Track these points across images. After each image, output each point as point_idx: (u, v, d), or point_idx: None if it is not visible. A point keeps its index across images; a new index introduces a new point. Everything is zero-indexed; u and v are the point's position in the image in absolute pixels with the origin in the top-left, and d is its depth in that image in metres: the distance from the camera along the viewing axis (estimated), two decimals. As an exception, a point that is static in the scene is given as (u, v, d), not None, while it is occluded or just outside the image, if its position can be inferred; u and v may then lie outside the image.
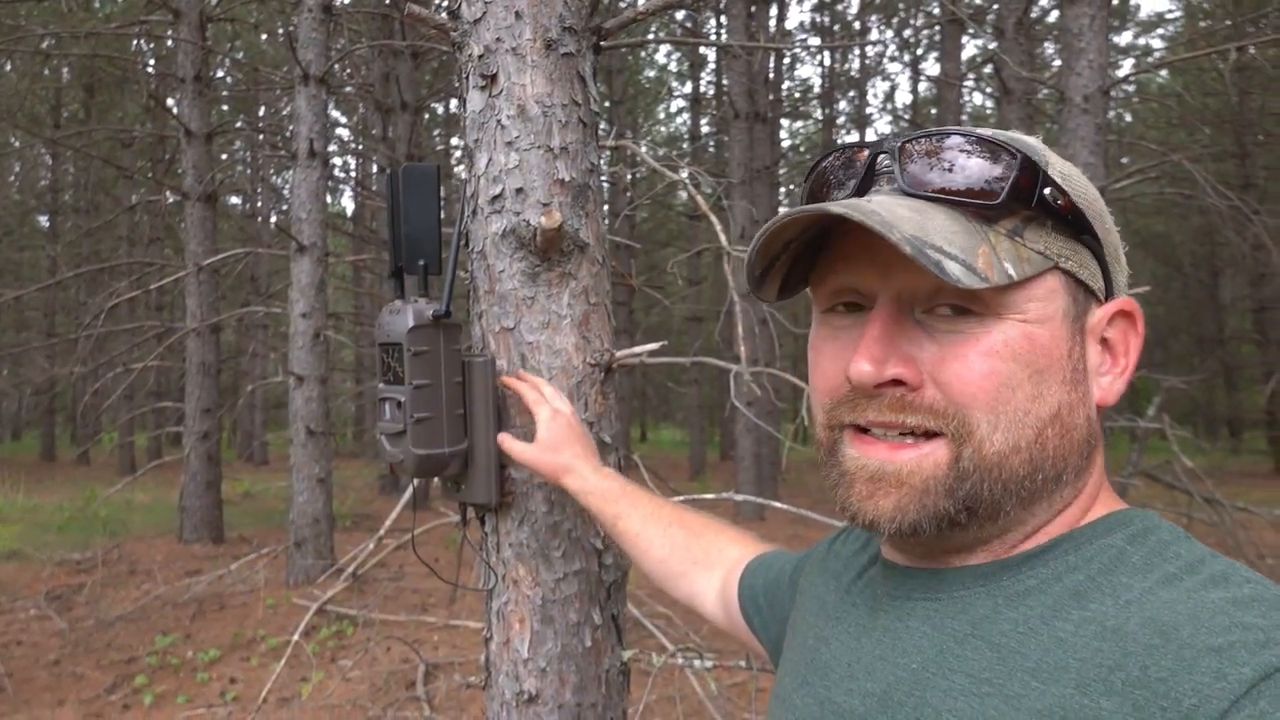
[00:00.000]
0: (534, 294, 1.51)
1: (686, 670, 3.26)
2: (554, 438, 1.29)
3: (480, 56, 1.53)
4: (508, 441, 1.34)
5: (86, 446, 19.62)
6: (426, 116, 17.33)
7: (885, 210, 0.55)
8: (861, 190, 0.61)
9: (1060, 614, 0.54)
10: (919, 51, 22.02)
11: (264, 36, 17.43)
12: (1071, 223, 0.59)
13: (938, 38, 16.10)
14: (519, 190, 1.50)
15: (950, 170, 0.57)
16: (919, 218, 0.55)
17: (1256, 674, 0.44)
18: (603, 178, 1.71)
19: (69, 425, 24.16)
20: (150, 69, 14.35)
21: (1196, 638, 0.47)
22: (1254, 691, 0.44)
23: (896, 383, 0.57)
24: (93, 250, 17.25)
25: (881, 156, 0.61)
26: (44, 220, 23.42)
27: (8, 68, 16.53)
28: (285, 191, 21.69)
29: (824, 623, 0.71)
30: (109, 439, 21.70)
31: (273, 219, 21.03)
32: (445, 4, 1.61)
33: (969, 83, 17.52)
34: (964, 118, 17.87)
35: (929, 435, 0.58)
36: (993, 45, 11.25)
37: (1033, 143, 0.60)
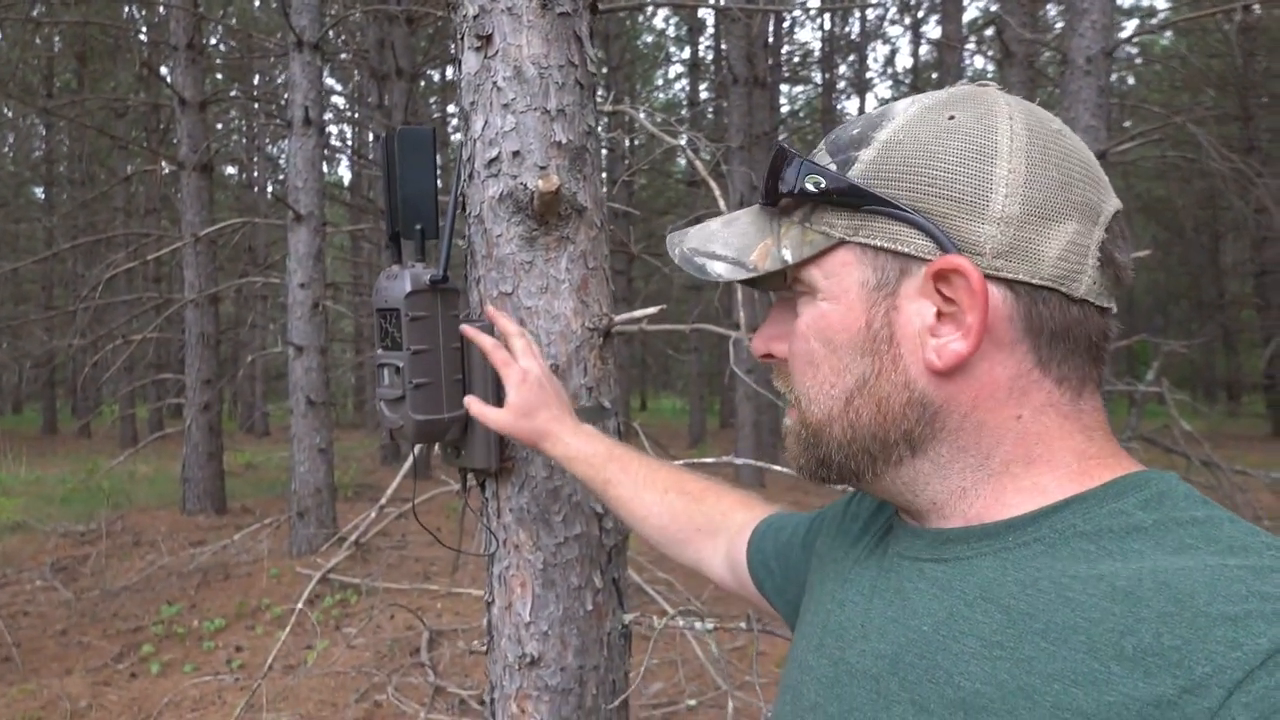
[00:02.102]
0: (532, 258, 1.50)
1: (687, 634, 3.29)
2: (525, 401, 1.22)
3: (475, 16, 1.51)
4: (476, 405, 1.28)
5: (88, 419, 19.65)
6: (422, 83, 17.14)
7: (706, 229, 0.69)
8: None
9: (1072, 576, 0.54)
10: (920, 14, 21.74)
11: (256, 2, 17.26)
12: (853, 199, 0.61)
13: (939, 0, 15.91)
14: (516, 153, 1.49)
15: (766, 179, 0.65)
16: (725, 228, 0.69)
17: (1273, 645, 0.44)
18: (601, 143, 1.69)
19: (70, 398, 24.18)
20: (143, 37, 14.21)
21: (1212, 606, 0.47)
22: (1269, 663, 0.43)
23: (771, 356, 0.69)
24: (89, 222, 17.17)
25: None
26: (39, 192, 23.32)
27: (-1, 37, 16.37)
28: (281, 161, 21.55)
29: (839, 585, 0.72)
30: (110, 411, 21.74)
31: (269, 188, 20.93)
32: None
33: (970, 45, 17.33)
34: (964, 80, 17.70)
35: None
36: (994, 7, 11.12)
37: (877, 117, 0.63)
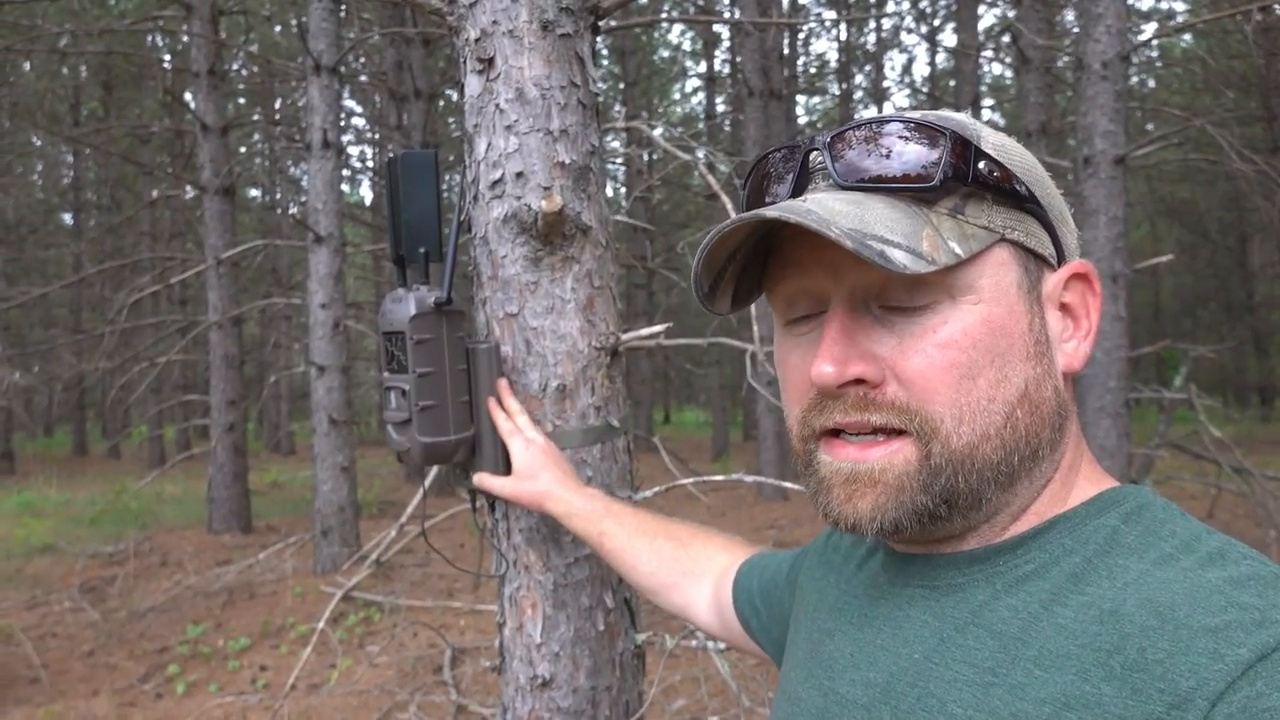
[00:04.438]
0: (537, 279, 1.50)
1: (710, 651, 3.27)
2: (529, 466, 1.30)
3: (477, 40, 1.52)
4: (485, 480, 1.35)
5: (117, 441, 19.88)
6: (441, 103, 17.31)
7: (820, 208, 0.54)
8: (798, 189, 0.61)
9: (1059, 599, 0.54)
10: (936, 22, 21.70)
11: (277, 28, 17.48)
12: (1011, 193, 0.58)
13: (954, 8, 15.88)
14: (519, 174, 1.49)
15: (883, 158, 0.57)
16: (856, 210, 0.55)
17: (1253, 655, 0.44)
18: (615, 159, 1.69)
19: (99, 420, 24.48)
20: (166, 64, 14.43)
21: (1193, 618, 0.47)
22: (1250, 672, 0.44)
23: (859, 381, 0.57)
24: (116, 247, 17.46)
25: (814, 154, 0.60)
26: (68, 218, 23.68)
27: (26, 67, 16.66)
28: (303, 183, 21.80)
29: (826, 615, 0.71)
30: (138, 433, 21.98)
31: (291, 210, 21.16)
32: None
33: (987, 53, 17.26)
34: (982, 89, 17.63)
35: (897, 433, 0.57)
36: (1011, 13, 11.08)
37: (962, 119, 0.59)
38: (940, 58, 22.29)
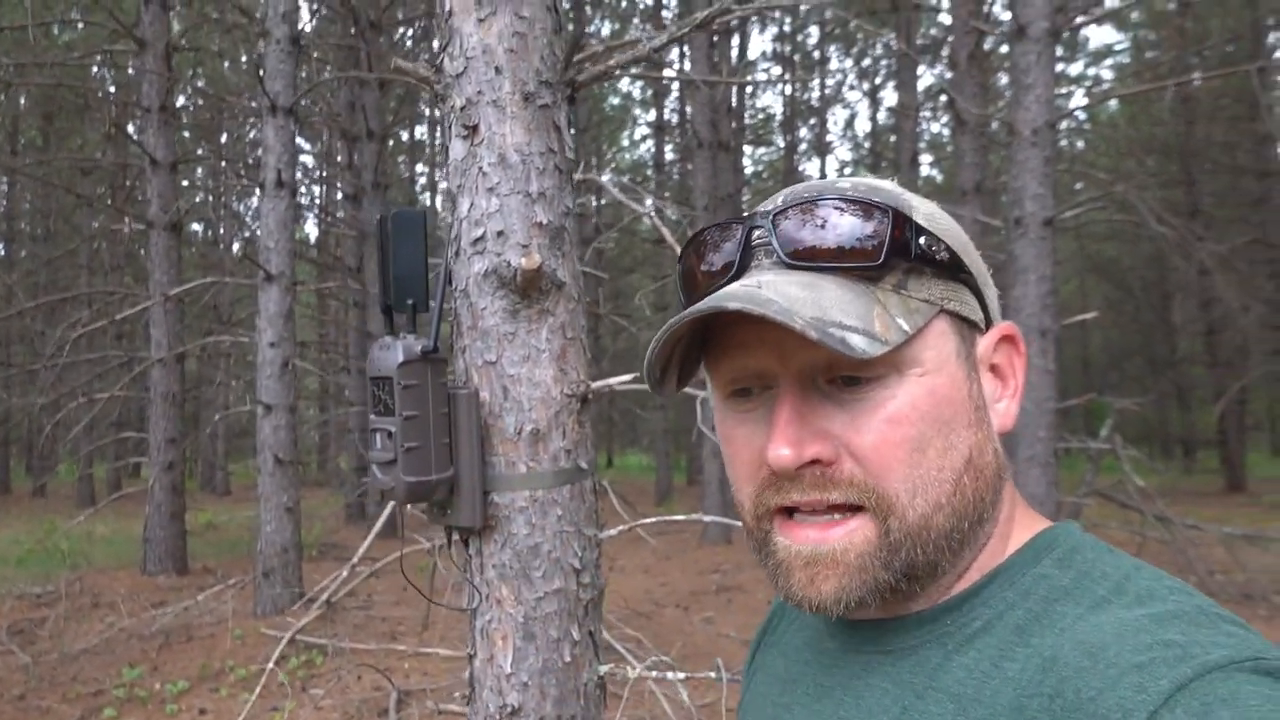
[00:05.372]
0: (514, 330, 1.61)
1: (658, 693, 3.35)
2: None
3: (463, 108, 1.64)
4: None
5: (44, 480, 19.24)
6: (390, 143, 17.37)
7: (778, 294, 0.55)
8: (741, 266, 0.61)
9: (1007, 653, 0.55)
10: (878, 80, 22.51)
11: (226, 64, 17.43)
12: (945, 265, 0.60)
13: (894, 68, 16.50)
14: (500, 233, 1.61)
15: (827, 237, 0.58)
16: (812, 295, 0.56)
17: (1173, 686, 0.46)
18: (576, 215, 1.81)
19: (23, 456, 23.63)
20: (111, 97, 14.28)
21: (1121, 656, 0.49)
22: (1170, 701, 0.46)
23: (815, 461, 0.57)
24: (50, 279, 17.01)
25: (756, 231, 0.61)
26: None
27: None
28: (248, 218, 21.58)
29: (780, 689, 0.71)
30: (69, 470, 21.25)
31: (234, 246, 20.92)
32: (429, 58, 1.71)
33: (926, 111, 17.95)
34: (921, 145, 18.28)
35: (853, 509, 0.58)
36: (949, 75, 11.57)
37: (894, 190, 0.62)
38: (882, 114, 23.04)
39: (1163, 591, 0.54)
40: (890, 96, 22.28)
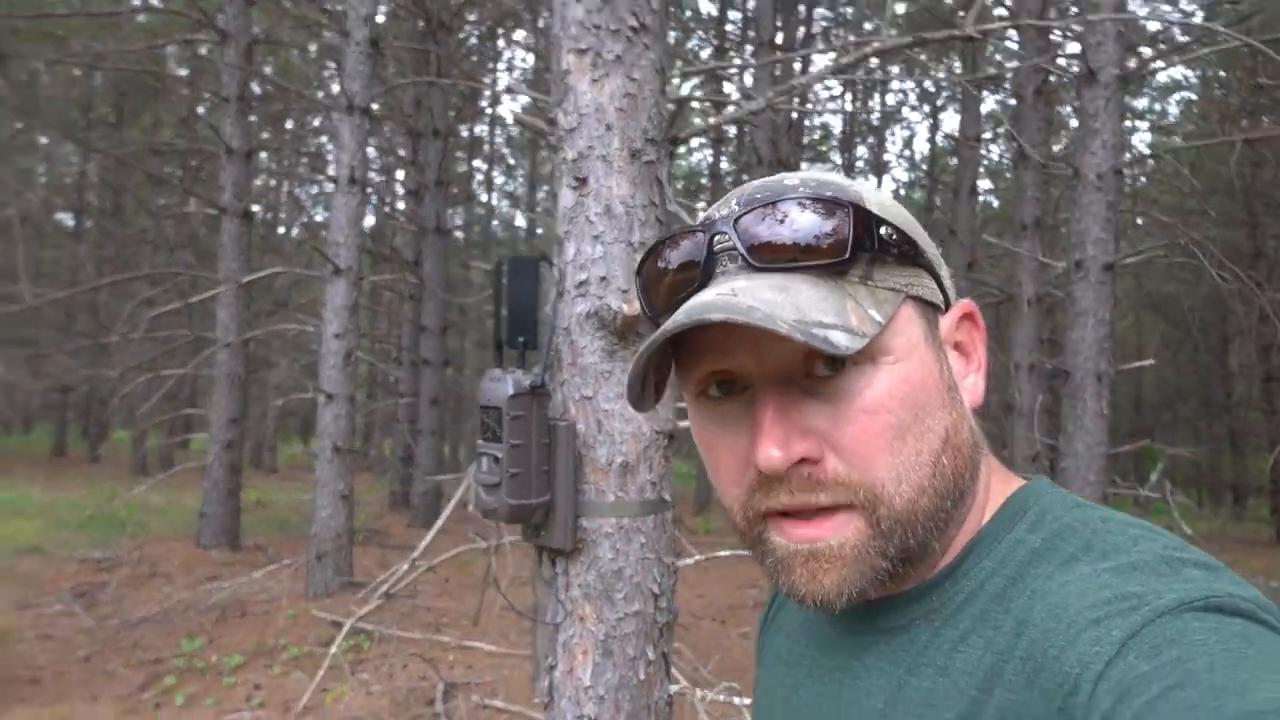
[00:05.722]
0: (611, 368, 1.74)
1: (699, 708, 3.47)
2: None
3: (574, 160, 1.78)
4: None
5: (99, 446, 19.86)
6: (453, 140, 17.68)
7: (756, 300, 0.55)
8: (706, 274, 0.61)
9: (989, 621, 0.57)
10: (939, 102, 22.39)
11: (295, 53, 17.88)
12: (907, 251, 0.62)
13: (958, 94, 16.44)
14: (603, 278, 1.74)
15: (791, 237, 0.58)
16: (787, 297, 0.56)
17: (1125, 634, 0.48)
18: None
19: (79, 422, 24.38)
20: (185, 81, 14.74)
21: (1081, 614, 0.51)
22: (1123, 649, 0.48)
23: (802, 460, 0.57)
24: (116, 253, 17.56)
25: (718, 237, 0.61)
26: (68, 219, 23.77)
27: (39, 67, 16.88)
28: (308, 205, 22.08)
29: (787, 671, 0.73)
30: (120, 437, 21.82)
31: (294, 231, 21.42)
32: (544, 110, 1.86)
33: (987, 133, 17.80)
34: (980, 170, 18.17)
35: (843, 508, 0.59)
36: (1011, 101, 11.52)
37: (844, 182, 0.63)
38: (941, 139, 22.92)
39: (1126, 543, 0.55)
40: (951, 119, 22.18)
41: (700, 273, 0.61)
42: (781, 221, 0.59)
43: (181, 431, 16.65)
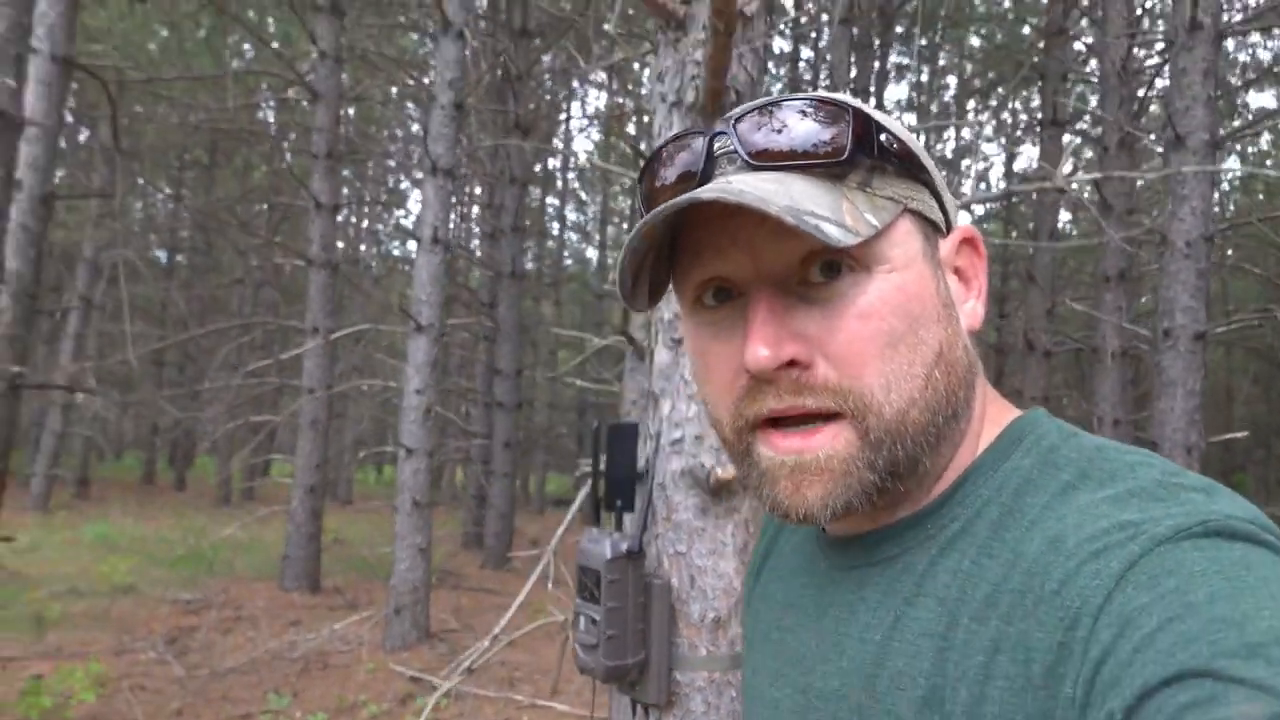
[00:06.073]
0: (704, 525, 1.80)
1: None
2: None
3: (669, 320, 1.85)
4: None
5: (186, 473, 20.59)
6: (531, 186, 18.05)
7: (750, 188, 0.54)
8: (705, 176, 0.60)
9: (986, 551, 0.56)
10: (1018, 132, 22.04)
11: (378, 107, 18.49)
12: (906, 165, 0.61)
13: (1038, 130, 16.19)
14: (697, 437, 1.80)
15: (791, 136, 0.58)
16: (782, 188, 0.55)
17: (1123, 566, 0.48)
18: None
19: (166, 447, 25.32)
20: (276, 134, 15.36)
21: (1080, 546, 0.51)
22: (1122, 581, 0.47)
23: (792, 364, 0.57)
24: (210, 295, 18.27)
25: (718, 137, 0.60)
26: (161, 254, 24.82)
27: (138, 108, 17.76)
28: (387, 256, 22.67)
29: (782, 613, 0.72)
30: (203, 464, 22.61)
31: (371, 270, 22.05)
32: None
33: (1067, 166, 17.45)
34: (1061, 209, 17.78)
35: (832, 416, 0.57)
36: (1088, 154, 11.30)
37: (849, 98, 0.62)
38: (1019, 164, 22.52)
39: (1124, 470, 0.55)
40: (1031, 152, 21.80)
41: (699, 176, 0.60)
42: (782, 123, 0.58)
43: (263, 464, 17.24)
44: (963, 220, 0.66)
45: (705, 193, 0.53)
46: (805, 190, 0.55)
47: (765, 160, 0.58)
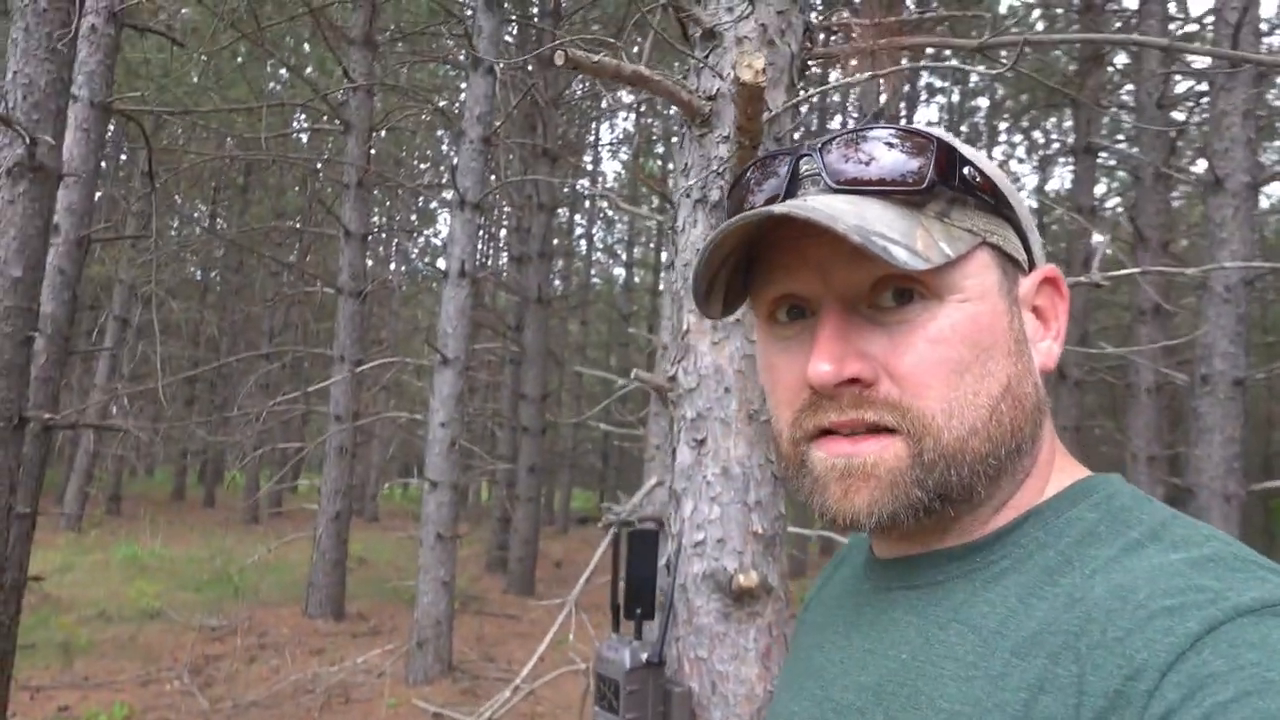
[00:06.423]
0: (726, 630, 1.76)
1: None
2: None
3: (692, 420, 1.82)
4: None
5: (215, 490, 20.80)
6: (559, 211, 18.13)
7: (825, 205, 0.56)
8: (788, 195, 0.61)
9: (1035, 591, 0.55)
10: (1050, 150, 21.82)
11: (408, 135, 18.67)
12: (991, 199, 0.61)
13: (1070, 159, 16.03)
14: (720, 540, 1.77)
15: (873, 163, 0.59)
16: (855, 209, 0.56)
17: (1202, 628, 0.46)
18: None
19: (195, 464, 25.60)
20: (309, 159, 15.55)
21: (1152, 599, 0.49)
22: (1199, 644, 0.46)
23: (854, 381, 0.58)
24: (243, 312, 18.49)
25: (804, 160, 0.62)
26: (197, 273, 25.16)
27: (177, 130, 18.04)
28: (414, 281, 22.82)
29: (815, 633, 0.73)
30: (232, 480, 22.88)
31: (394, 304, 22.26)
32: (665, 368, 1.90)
33: (1100, 189, 17.23)
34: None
35: (888, 431, 0.58)
36: (1121, 196, 11.15)
37: (940, 131, 0.62)
38: (1051, 187, 22.29)
39: (1199, 538, 0.53)
40: (1063, 175, 21.58)
41: (782, 196, 0.61)
42: (868, 151, 0.59)
43: (292, 480, 17.36)
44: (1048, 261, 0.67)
45: (780, 207, 0.55)
46: (879, 214, 0.56)
47: (846, 184, 0.59)
